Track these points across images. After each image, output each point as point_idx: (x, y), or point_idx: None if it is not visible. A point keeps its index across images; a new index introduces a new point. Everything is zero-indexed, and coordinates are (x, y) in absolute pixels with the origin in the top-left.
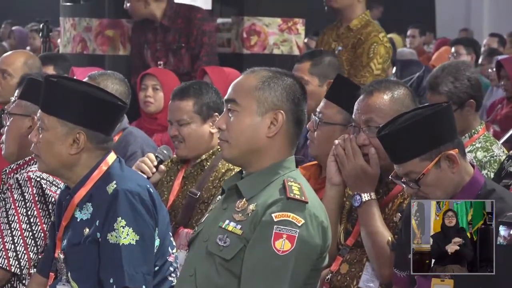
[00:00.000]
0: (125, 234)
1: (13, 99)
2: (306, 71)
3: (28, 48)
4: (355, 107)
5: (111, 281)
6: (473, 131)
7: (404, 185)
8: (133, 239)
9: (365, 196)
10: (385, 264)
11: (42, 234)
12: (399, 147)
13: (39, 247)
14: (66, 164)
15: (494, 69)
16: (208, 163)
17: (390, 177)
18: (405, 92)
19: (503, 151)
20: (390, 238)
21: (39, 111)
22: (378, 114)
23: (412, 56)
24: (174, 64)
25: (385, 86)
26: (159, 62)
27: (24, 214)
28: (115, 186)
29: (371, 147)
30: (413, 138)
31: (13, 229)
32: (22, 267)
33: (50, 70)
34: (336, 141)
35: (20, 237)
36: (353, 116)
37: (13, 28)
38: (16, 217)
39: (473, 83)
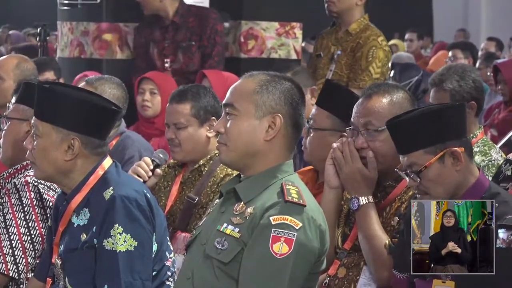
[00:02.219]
0: (122, 241)
1: (11, 103)
2: None
3: None
4: (354, 110)
5: (106, 287)
6: (471, 135)
7: (406, 177)
8: (131, 245)
9: (363, 200)
10: (382, 268)
11: (40, 239)
12: (405, 137)
13: (37, 251)
14: (62, 171)
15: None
16: (206, 168)
17: (396, 169)
18: (404, 96)
19: (501, 155)
20: (387, 242)
21: (33, 117)
22: (377, 118)
23: (410, 60)
24: (183, 61)
25: (384, 89)
26: (166, 60)
27: (22, 218)
28: (112, 192)
29: (369, 150)
30: (419, 129)
31: (11, 234)
32: (20, 272)
33: (51, 75)
34: (334, 145)
35: (18, 242)
36: (351, 119)
37: (10, 32)
38: (14, 222)
39: (477, 85)
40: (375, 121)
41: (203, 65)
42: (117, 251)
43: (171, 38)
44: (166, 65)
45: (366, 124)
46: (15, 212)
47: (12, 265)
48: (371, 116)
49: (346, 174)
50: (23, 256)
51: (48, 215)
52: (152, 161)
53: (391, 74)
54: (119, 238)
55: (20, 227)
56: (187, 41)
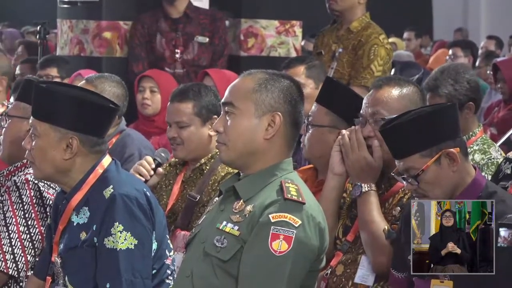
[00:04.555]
0: (122, 239)
1: (11, 101)
2: (301, 74)
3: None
4: (364, 101)
5: (108, 286)
6: (470, 133)
7: (404, 181)
8: (131, 244)
9: (365, 187)
10: (380, 253)
11: (40, 237)
12: (400, 142)
13: (36, 249)
14: (61, 170)
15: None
16: (207, 167)
17: (392, 173)
18: (414, 90)
19: (501, 154)
20: (386, 227)
21: (31, 117)
22: (384, 107)
23: (410, 58)
24: (197, 53)
25: (395, 82)
26: (176, 50)
27: (22, 216)
28: (112, 190)
29: (375, 139)
30: (414, 133)
31: (10, 232)
32: (20, 270)
33: (54, 72)
34: (344, 131)
35: (17, 240)
36: (361, 110)
37: (4, 30)
38: (13, 220)
39: (472, 85)
40: (383, 111)
41: (214, 62)
42: (118, 250)
43: (182, 30)
44: (177, 55)
45: (374, 113)
46: (15, 210)
47: (11, 263)
48: (379, 106)
49: (351, 161)
50: (22, 254)
51: (48, 213)
52: (154, 160)
53: (392, 72)
54: (120, 237)
55: (19, 225)
56: (200, 35)
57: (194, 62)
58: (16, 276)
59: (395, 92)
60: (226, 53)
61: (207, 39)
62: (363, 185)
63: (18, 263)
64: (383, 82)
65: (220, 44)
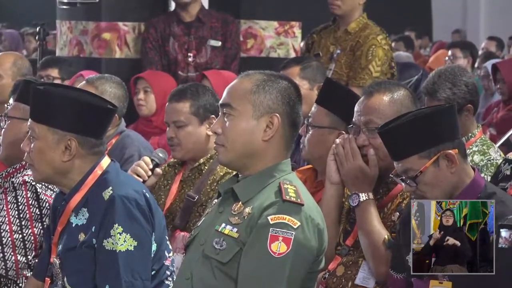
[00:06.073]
0: (122, 241)
1: (10, 102)
2: (296, 75)
3: (24, 52)
4: (355, 109)
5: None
6: (470, 134)
7: (402, 183)
8: (131, 245)
9: (363, 196)
10: (381, 262)
11: (32, 238)
12: (398, 143)
13: (28, 250)
14: (60, 171)
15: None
16: (206, 167)
17: (391, 175)
18: (405, 94)
19: (500, 155)
20: (386, 237)
21: (29, 120)
22: (377, 116)
23: (409, 59)
24: (210, 57)
25: (385, 87)
26: (189, 54)
27: (16, 216)
28: (111, 192)
29: (370, 148)
30: (412, 135)
31: (2, 231)
32: (8, 269)
33: (54, 73)
34: (337, 140)
35: (9, 239)
36: (353, 119)
37: (4, 31)
38: (6, 219)
39: (470, 88)
40: (376, 119)
41: (227, 65)
42: (117, 251)
43: (195, 34)
44: (190, 59)
45: (367, 122)
46: (9, 210)
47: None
48: (372, 114)
49: (346, 170)
50: (12, 253)
51: (44, 215)
52: (152, 160)
53: None
54: (119, 238)
55: (12, 225)
56: (213, 39)
57: (207, 65)
58: (4, 275)
59: (386, 98)
60: (239, 56)
61: (220, 43)
62: (360, 194)
63: (7, 262)
64: (373, 88)
65: (232, 47)
